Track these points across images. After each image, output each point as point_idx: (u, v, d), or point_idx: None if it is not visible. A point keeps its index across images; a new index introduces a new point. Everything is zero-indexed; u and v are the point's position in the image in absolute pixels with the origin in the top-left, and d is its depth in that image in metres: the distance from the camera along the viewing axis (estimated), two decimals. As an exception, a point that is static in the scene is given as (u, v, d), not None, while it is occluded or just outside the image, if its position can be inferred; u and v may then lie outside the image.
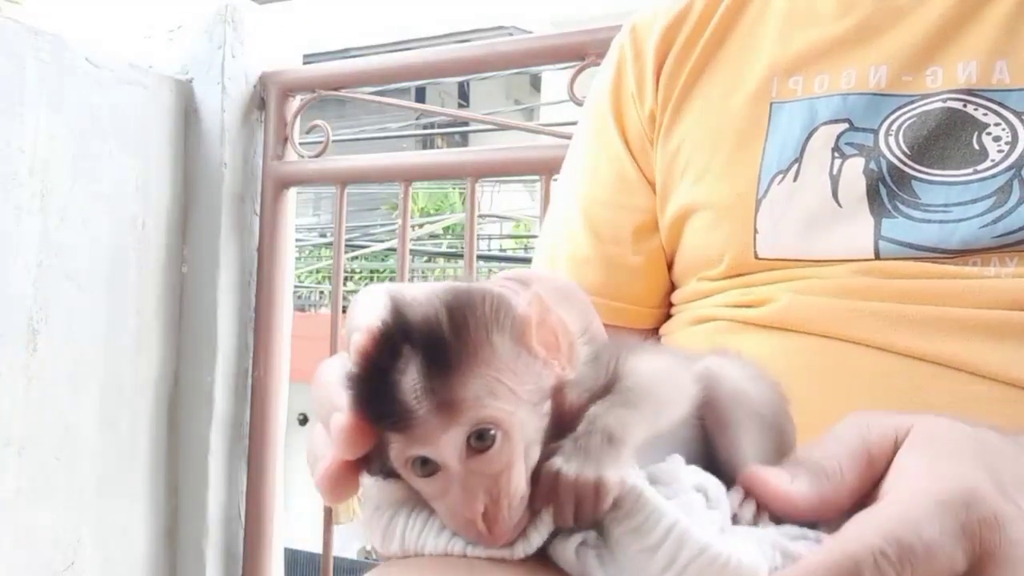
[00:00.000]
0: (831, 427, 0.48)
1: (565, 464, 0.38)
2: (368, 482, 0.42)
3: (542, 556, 0.40)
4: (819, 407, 0.50)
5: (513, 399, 0.39)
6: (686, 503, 0.40)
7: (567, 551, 0.39)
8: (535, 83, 9.71)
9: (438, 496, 0.39)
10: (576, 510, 0.38)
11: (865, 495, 0.45)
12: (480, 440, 0.38)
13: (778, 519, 0.44)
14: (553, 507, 0.38)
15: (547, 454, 0.39)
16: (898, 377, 0.60)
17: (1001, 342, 0.59)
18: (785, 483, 0.44)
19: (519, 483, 0.38)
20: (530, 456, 0.39)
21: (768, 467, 0.45)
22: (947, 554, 0.39)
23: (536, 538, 0.39)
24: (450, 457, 0.38)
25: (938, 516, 0.39)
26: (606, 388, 0.42)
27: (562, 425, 0.40)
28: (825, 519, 0.44)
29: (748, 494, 0.44)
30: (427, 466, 0.39)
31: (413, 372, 0.38)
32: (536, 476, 0.39)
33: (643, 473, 0.40)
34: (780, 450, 0.47)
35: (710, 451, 0.46)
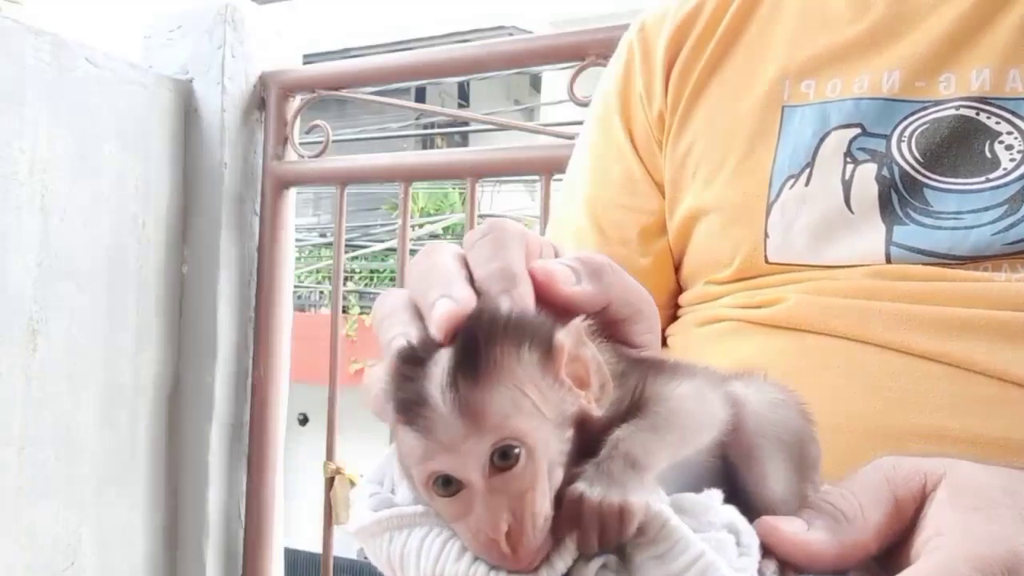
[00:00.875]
0: (856, 467, 0.46)
1: (589, 489, 0.37)
2: (380, 514, 0.42)
3: None
4: (827, 406, 0.50)
5: (537, 416, 0.38)
6: (715, 540, 0.39)
7: (587, 575, 0.38)
8: (535, 83, 9.69)
9: (460, 517, 0.38)
10: (600, 535, 0.37)
11: (894, 541, 0.44)
12: (504, 459, 0.37)
13: (802, 572, 0.42)
14: (577, 533, 0.38)
15: (569, 479, 0.38)
16: (907, 377, 0.60)
17: (1011, 343, 0.58)
18: (801, 531, 0.42)
19: (543, 503, 0.37)
20: (553, 478, 0.38)
21: (781, 517, 0.43)
22: None
23: (560, 564, 0.38)
24: (473, 473, 0.37)
25: None
26: (631, 410, 0.41)
27: (585, 448, 0.40)
28: (850, 566, 0.43)
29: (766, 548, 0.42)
30: (449, 486, 0.38)
31: (442, 367, 0.38)
32: (559, 501, 0.38)
33: (668, 500, 0.40)
34: (804, 473, 0.46)
35: (731, 477, 0.45)
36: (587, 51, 1.32)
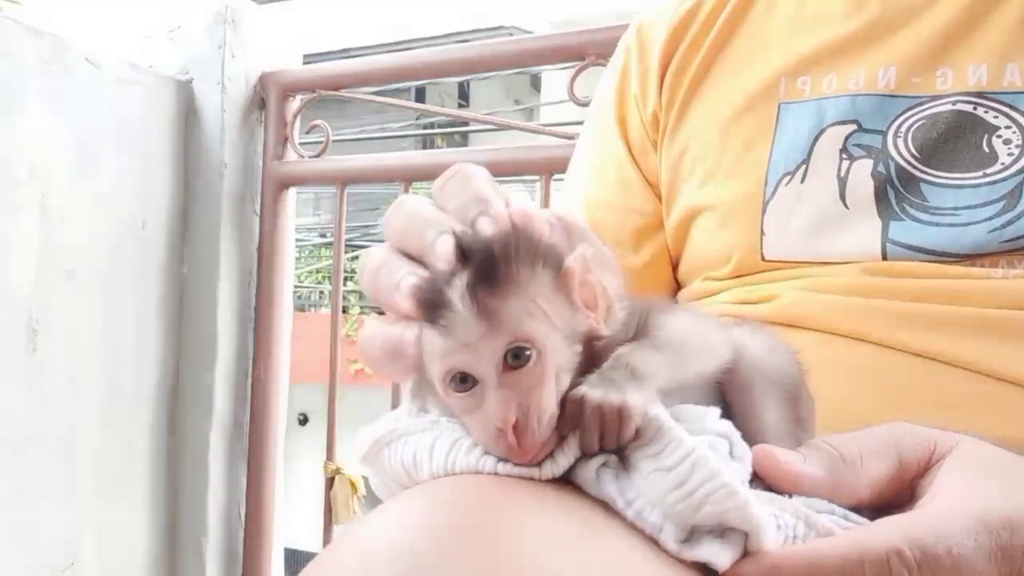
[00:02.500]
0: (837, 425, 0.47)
1: (591, 391, 0.40)
2: (396, 424, 0.45)
3: (566, 481, 0.41)
4: (822, 403, 0.50)
5: (548, 325, 0.41)
6: (708, 441, 0.41)
7: (588, 472, 0.41)
8: (535, 83, 9.69)
9: (472, 410, 0.41)
10: (601, 434, 0.40)
11: (895, 499, 0.45)
12: (516, 358, 0.40)
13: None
14: (579, 432, 0.41)
15: (574, 387, 0.42)
16: (902, 374, 0.60)
17: (1007, 341, 0.58)
18: (797, 463, 0.44)
19: (549, 401, 0.40)
20: (560, 382, 0.41)
21: (780, 447, 0.45)
22: (977, 573, 0.39)
23: (563, 461, 0.41)
24: (487, 369, 0.40)
25: (975, 533, 0.39)
26: (635, 338, 0.44)
27: (592, 369, 0.43)
28: (839, 505, 0.44)
29: (758, 474, 0.44)
30: (465, 383, 0.41)
31: (463, 279, 0.41)
32: (565, 404, 0.41)
33: (666, 411, 0.42)
34: (798, 419, 0.48)
35: (728, 416, 0.47)
36: (587, 51, 1.32)
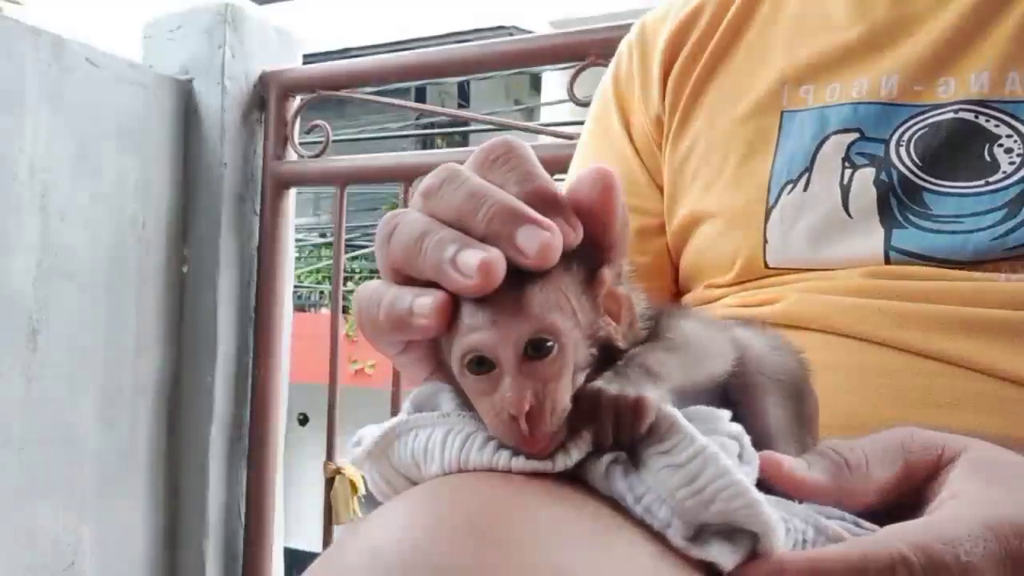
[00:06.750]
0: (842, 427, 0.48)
1: (607, 385, 0.41)
2: (410, 416, 0.45)
3: (576, 479, 0.41)
4: (825, 404, 0.50)
5: (573, 321, 0.41)
6: (719, 441, 0.41)
7: (598, 469, 0.41)
8: (535, 83, 9.68)
9: (485, 393, 0.41)
10: (616, 428, 0.40)
11: (903, 505, 0.44)
12: (536, 350, 0.40)
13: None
14: (594, 425, 0.41)
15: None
16: (904, 374, 0.60)
17: (1009, 341, 0.58)
18: (800, 470, 0.44)
19: (564, 395, 0.40)
20: (575, 381, 0.41)
21: (784, 454, 0.45)
22: None
23: (575, 453, 0.41)
24: (508, 355, 0.40)
25: (984, 540, 0.39)
26: (647, 340, 0.44)
27: (602, 370, 0.43)
28: (846, 511, 0.44)
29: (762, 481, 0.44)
30: (482, 366, 0.41)
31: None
32: (579, 401, 0.41)
33: (678, 411, 0.42)
34: (801, 418, 0.48)
35: (733, 417, 0.47)
36: (587, 51, 1.32)
